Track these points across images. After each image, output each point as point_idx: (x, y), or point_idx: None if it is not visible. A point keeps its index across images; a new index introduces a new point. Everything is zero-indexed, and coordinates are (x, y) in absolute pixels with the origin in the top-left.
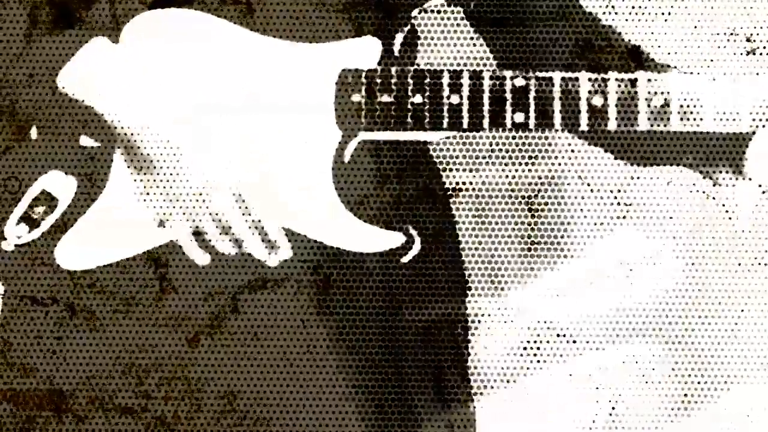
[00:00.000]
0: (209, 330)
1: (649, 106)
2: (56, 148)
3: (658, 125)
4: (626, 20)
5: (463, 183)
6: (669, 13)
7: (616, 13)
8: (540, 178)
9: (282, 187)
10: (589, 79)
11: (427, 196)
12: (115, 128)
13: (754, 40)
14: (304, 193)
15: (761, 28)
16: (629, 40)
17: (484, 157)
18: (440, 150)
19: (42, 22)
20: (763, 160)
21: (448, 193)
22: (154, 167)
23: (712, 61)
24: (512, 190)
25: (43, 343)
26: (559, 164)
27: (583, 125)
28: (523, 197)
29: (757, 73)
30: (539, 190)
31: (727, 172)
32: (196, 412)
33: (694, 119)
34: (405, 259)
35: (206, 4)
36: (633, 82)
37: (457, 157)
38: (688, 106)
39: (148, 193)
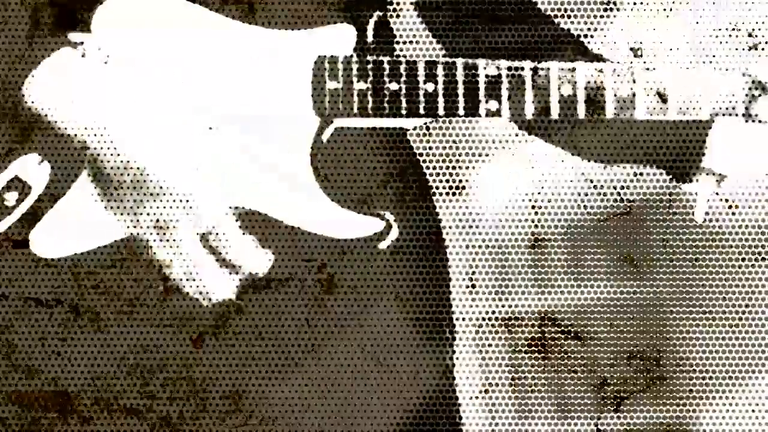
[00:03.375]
0: (214, 330)
1: (615, 95)
2: (29, 134)
3: (625, 114)
4: (628, 16)
5: (466, 181)
6: (671, 9)
7: (618, 9)
8: (543, 175)
9: (261, 174)
10: (560, 69)
11: (404, 182)
12: (82, 145)
13: (756, 36)
14: (283, 179)
15: (763, 23)
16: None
17: (486, 155)
18: (442, 147)
19: (44, 23)
20: (721, 150)
21: (428, 182)
22: (125, 185)
23: (714, 56)
24: (515, 188)
25: (48, 345)
26: (562, 161)
27: (554, 114)
28: (526, 194)
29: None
30: (542, 188)
31: (688, 168)
32: (201, 413)
33: (659, 108)
34: (383, 245)
35: (207, 4)
36: (600, 72)
37: (459, 154)
38: (653, 96)
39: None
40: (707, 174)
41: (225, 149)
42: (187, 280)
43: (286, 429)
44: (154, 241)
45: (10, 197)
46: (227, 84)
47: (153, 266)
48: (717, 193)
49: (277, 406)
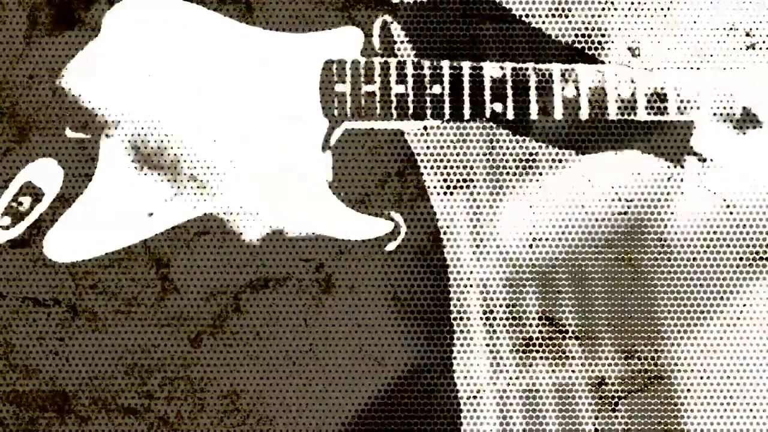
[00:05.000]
0: (211, 330)
1: (617, 96)
2: (42, 140)
3: (627, 115)
4: (626, 16)
5: (464, 180)
6: (668, 8)
7: (615, 9)
8: (541, 174)
9: (271, 176)
10: (561, 71)
11: (403, 182)
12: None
13: (754, 35)
14: (293, 182)
15: (760, 22)
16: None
17: (485, 154)
18: (441, 147)
19: (41, 23)
20: (707, 131)
21: (426, 181)
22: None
23: (711, 56)
24: (514, 187)
25: (46, 344)
26: (560, 160)
27: (558, 115)
28: (524, 194)
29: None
30: (541, 187)
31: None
32: (198, 412)
33: (659, 109)
34: (389, 247)
35: (205, 4)
36: (602, 74)
37: (458, 154)
38: (653, 97)
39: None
40: (694, 155)
41: (235, 152)
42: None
43: (284, 428)
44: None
45: (24, 202)
46: (237, 87)
47: (151, 266)
48: (700, 174)
49: (274, 405)
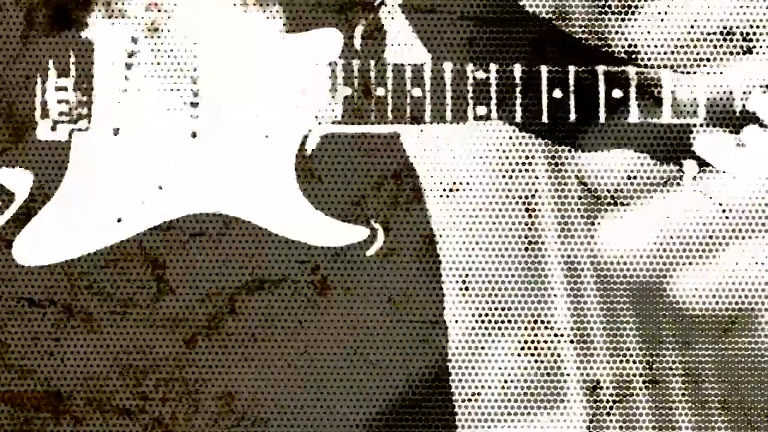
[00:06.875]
0: (207, 331)
1: (608, 98)
2: (23, 134)
3: (618, 117)
4: (621, 18)
5: (460, 183)
6: (665, 12)
7: (612, 12)
8: (537, 177)
9: (244, 179)
10: (549, 72)
11: (398, 184)
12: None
13: (752, 39)
14: (267, 187)
15: (758, 26)
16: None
17: (481, 156)
18: (438, 148)
19: (38, 23)
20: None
21: (421, 183)
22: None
23: (708, 60)
24: (509, 190)
25: (41, 345)
26: (557, 163)
27: (544, 118)
28: (520, 197)
29: (713, 72)
30: (537, 189)
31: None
32: (193, 413)
33: (652, 112)
34: (369, 253)
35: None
36: (592, 75)
37: (454, 155)
38: (646, 99)
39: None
40: (692, 157)
41: (209, 155)
42: None
43: (279, 430)
44: None
45: None
46: (213, 89)
47: (146, 267)
48: (695, 178)
49: (269, 407)
